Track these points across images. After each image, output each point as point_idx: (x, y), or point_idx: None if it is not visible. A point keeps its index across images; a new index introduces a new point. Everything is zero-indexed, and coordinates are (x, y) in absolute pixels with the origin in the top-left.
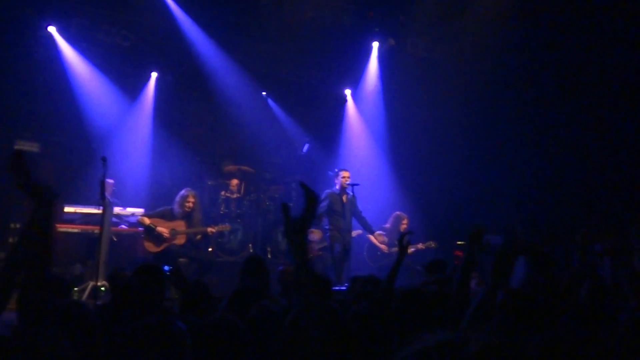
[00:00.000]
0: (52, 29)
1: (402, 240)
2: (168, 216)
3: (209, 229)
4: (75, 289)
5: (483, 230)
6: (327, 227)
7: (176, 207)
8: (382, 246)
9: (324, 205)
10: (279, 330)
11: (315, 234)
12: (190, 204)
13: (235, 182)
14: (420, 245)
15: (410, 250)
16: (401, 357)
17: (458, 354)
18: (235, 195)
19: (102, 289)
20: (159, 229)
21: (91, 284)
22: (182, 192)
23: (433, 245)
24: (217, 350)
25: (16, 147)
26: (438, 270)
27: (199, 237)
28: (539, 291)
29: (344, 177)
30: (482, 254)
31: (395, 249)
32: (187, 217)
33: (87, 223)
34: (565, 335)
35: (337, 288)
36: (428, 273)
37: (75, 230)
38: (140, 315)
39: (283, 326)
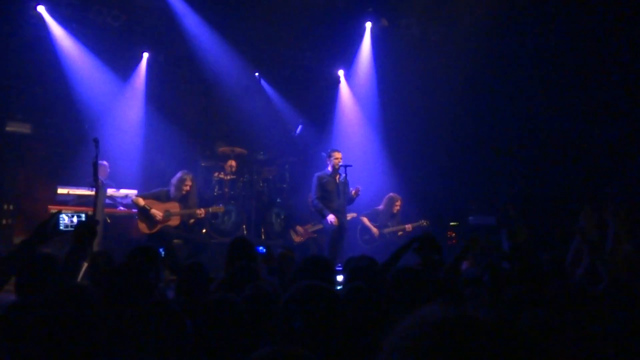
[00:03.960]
0: (41, 9)
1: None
2: (163, 197)
3: (198, 212)
4: None
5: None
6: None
7: (172, 189)
8: (374, 229)
9: (315, 189)
10: (274, 310)
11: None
12: (188, 187)
13: (232, 163)
14: (407, 227)
15: (400, 233)
16: (406, 329)
17: (471, 329)
18: (228, 177)
19: None
20: (153, 211)
21: (85, 265)
22: (179, 174)
23: (425, 223)
24: (216, 329)
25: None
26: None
27: (192, 221)
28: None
29: (336, 158)
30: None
31: (387, 230)
32: (183, 199)
33: (80, 204)
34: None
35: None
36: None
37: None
38: (135, 297)
39: (278, 306)
